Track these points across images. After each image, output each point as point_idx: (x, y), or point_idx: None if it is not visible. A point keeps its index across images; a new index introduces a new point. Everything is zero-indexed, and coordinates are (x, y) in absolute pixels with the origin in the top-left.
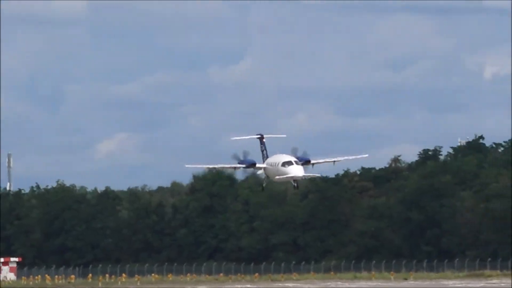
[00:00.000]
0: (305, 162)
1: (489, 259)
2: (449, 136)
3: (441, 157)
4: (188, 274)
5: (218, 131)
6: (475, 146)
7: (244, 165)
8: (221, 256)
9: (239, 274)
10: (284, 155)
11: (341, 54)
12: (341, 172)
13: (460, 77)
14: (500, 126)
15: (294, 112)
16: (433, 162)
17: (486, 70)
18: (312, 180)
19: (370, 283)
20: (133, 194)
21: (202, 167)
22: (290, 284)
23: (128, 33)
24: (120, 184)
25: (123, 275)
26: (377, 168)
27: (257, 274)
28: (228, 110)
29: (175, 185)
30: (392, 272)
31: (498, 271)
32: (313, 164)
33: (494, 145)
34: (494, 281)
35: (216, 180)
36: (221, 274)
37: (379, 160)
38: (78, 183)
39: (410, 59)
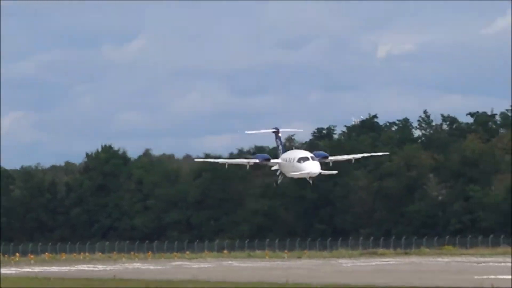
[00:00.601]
0: (322, 158)
1: (383, 237)
2: (342, 115)
3: (335, 136)
4: (82, 253)
5: (111, 110)
6: (368, 125)
7: (258, 160)
8: (114, 235)
9: (132, 252)
10: (300, 150)
11: (235, 34)
12: (235, 152)
13: (352, 56)
14: (393, 105)
15: (188, 91)
16: (327, 141)
17: (379, 49)
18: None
19: (264, 262)
20: (26, 173)
21: (214, 161)
22: (183, 262)
23: (22, 11)
24: (13, 163)
25: (17, 254)
26: (271, 147)
27: (150, 252)
28: (122, 88)
29: (68, 164)
30: (286, 251)
31: (391, 250)
32: (330, 160)
33: (388, 124)
34: (388, 259)
35: (109, 159)
36: (114, 253)
37: (272, 139)
38: None
39: (303, 38)
